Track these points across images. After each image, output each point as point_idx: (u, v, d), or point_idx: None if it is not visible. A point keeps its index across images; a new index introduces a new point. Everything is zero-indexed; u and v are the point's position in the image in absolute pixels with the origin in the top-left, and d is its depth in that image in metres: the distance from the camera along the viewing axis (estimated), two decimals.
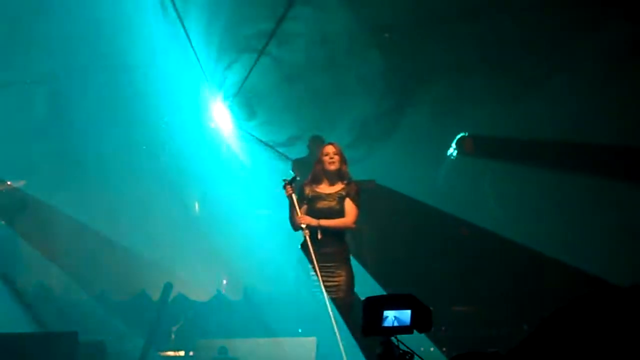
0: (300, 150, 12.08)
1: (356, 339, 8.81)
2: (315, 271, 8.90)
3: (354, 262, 9.44)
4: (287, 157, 12.27)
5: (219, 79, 12.74)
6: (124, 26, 11.90)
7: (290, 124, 12.69)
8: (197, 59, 12.39)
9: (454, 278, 10.93)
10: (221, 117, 12.75)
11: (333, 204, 9.10)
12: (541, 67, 11.81)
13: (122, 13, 11.89)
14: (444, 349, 9.95)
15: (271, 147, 12.54)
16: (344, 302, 8.97)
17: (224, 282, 11.72)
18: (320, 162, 9.19)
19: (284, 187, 9.14)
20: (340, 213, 9.10)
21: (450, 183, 11.88)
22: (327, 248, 9.04)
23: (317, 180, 9.20)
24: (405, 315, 5.35)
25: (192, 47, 12.31)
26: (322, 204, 9.10)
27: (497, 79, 11.84)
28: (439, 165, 12.14)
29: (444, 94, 12.25)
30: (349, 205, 9.15)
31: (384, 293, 9.86)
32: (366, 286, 9.92)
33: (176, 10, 12.16)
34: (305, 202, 9.16)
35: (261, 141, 12.69)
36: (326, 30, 12.51)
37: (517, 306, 10.45)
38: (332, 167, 9.11)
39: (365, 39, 12.55)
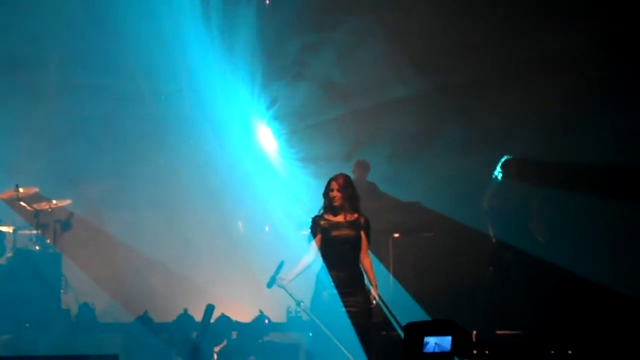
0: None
1: None
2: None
3: (397, 284, 9.44)
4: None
5: (264, 101, 12.83)
6: (172, 52, 12.03)
7: (332, 143, 12.77)
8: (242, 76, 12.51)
9: (497, 302, 10.83)
10: (266, 139, 12.81)
11: (349, 232, 9.16)
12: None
13: (170, 38, 12.03)
14: None
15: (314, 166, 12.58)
16: (363, 327, 9.03)
17: (266, 304, 11.69)
18: (327, 195, 9.26)
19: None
20: (357, 241, 9.16)
21: (495, 207, 11.78)
22: (343, 273, 9.12)
23: (329, 211, 9.27)
24: (446, 341, 5.33)
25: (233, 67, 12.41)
26: (337, 233, 9.16)
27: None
28: (484, 188, 12.06)
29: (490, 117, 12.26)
30: (364, 240, 9.23)
31: (426, 316, 9.85)
32: (407, 310, 9.87)
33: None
34: (319, 232, 9.22)
35: (303, 162, 12.75)
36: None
37: (561, 332, 10.34)
38: (335, 203, 9.18)
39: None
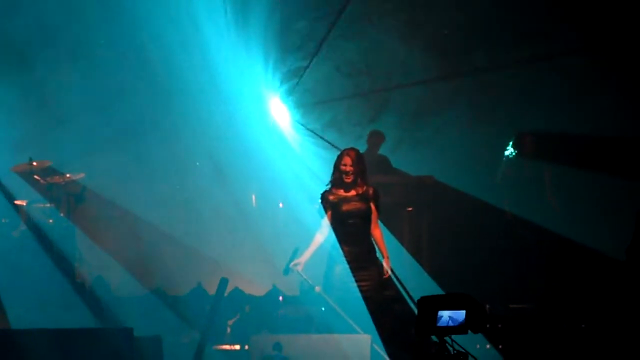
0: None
1: (383, 339, 8.85)
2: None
3: (410, 259, 9.47)
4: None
5: (277, 76, 12.82)
6: (185, 26, 12.00)
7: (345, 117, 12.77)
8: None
9: (511, 276, 10.81)
10: (279, 113, 12.80)
11: (360, 205, 9.20)
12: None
13: (181, 14, 12.00)
14: (500, 347, 9.85)
15: (330, 143, 12.55)
16: (375, 300, 9.04)
17: (280, 277, 11.70)
18: (337, 169, 9.24)
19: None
20: (367, 213, 9.18)
21: (509, 181, 11.74)
22: (355, 247, 9.13)
23: (338, 185, 9.26)
24: (460, 315, 5.32)
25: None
26: (348, 207, 9.20)
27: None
28: (498, 161, 12.02)
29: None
30: (374, 212, 9.26)
31: (440, 290, 9.84)
32: (421, 282, 9.87)
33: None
34: (329, 207, 9.22)
35: (318, 135, 12.74)
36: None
37: (576, 305, 10.31)
38: (347, 179, 9.18)
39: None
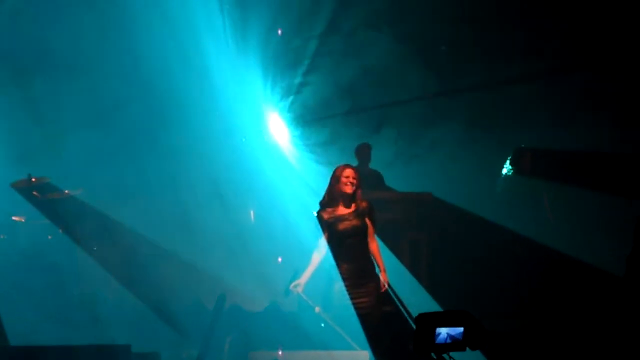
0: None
1: (381, 356, 8.86)
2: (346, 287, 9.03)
3: (409, 275, 9.48)
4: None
5: (277, 91, 12.87)
6: (183, 41, 12.03)
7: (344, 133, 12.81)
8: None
9: (510, 293, 10.81)
10: (277, 129, 12.83)
11: (355, 222, 9.16)
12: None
13: (180, 29, 12.03)
14: None
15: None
16: (373, 317, 9.04)
17: (279, 293, 11.70)
18: (338, 182, 9.21)
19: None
20: (364, 229, 9.17)
21: (508, 198, 11.76)
22: (353, 264, 9.13)
23: (333, 203, 9.23)
24: (458, 331, 5.31)
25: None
26: (344, 225, 9.15)
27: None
28: (497, 179, 12.05)
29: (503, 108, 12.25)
30: (371, 227, 9.26)
31: (438, 307, 9.84)
32: (420, 299, 9.88)
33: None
34: (325, 227, 9.21)
35: (316, 151, 12.80)
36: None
37: (575, 323, 10.31)
38: (349, 190, 9.15)
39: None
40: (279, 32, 12.78)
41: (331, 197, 9.25)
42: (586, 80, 11.83)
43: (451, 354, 5.37)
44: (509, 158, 11.81)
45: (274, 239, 12.01)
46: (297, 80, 12.98)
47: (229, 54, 12.44)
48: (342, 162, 9.86)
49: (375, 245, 9.33)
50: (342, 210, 9.21)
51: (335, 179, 9.25)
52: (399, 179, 10.17)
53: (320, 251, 9.26)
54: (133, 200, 12.11)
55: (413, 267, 11.41)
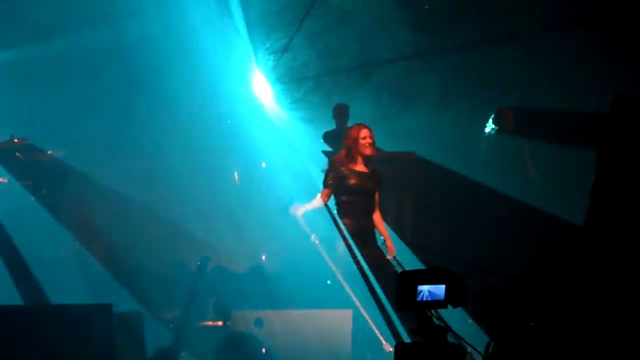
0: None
1: (396, 312, 8.85)
2: (348, 245, 9.00)
3: (393, 235, 9.52)
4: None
5: (260, 53, 12.84)
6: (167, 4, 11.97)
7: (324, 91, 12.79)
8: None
9: (492, 251, 10.81)
10: (261, 89, 12.79)
11: (368, 183, 9.19)
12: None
13: None
14: (483, 322, 9.87)
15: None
16: (385, 273, 9.05)
17: (263, 254, 11.70)
18: (356, 142, 9.20)
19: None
20: (372, 193, 9.19)
21: (491, 158, 11.74)
22: (357, 221, 9.13)
23: (351, 158, 9.23)
24: (440, 289, 5.31)
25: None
26: (355, 181, 9.15)
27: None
28: (479, 136, 12.02)
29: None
30: (378, 193, 9.34)
31: (421, 265, 9.86)
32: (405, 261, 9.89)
33: None
34: (337, 178, 9.18)
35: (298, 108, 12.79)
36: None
37: (558, 282, 10.31)
38: (369, 152, 9.17)
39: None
40: None
41: (349, 154, 9.24)
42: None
43: (435, 311, 5.36)
44: (491, 116, 11.76)
45: (259, 201, 11.97)
46: (281, 41, 12.93)
47: (213, 16, 12.37)
48: (325, 119, 9.87)
49: (379, 213, 9.39)
50: (358, 167, 9.22)
51: (352, 140, 9.25)
52: (381, 138, 10.09)
53: (325, 195, 9.25)
54: (115, 161, 12.04)
55: (397, 227, 11.39)
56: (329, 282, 9.61)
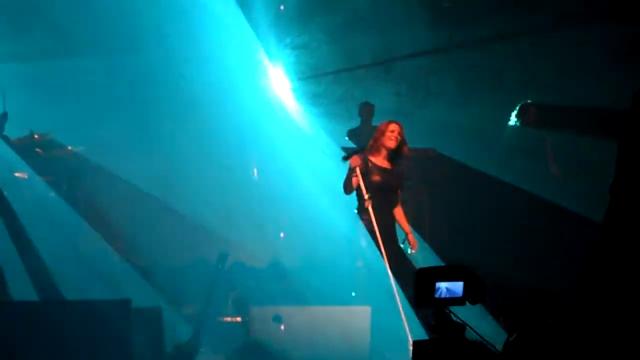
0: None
1: (415, 309, 8.80)
2: (377, 240, 8.95)
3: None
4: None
5: (281, 48, 12.85)
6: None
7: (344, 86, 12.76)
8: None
9: (512, 248, 10.77)
10: (282, 85, 12.80)
11: (391, 181, 9.16)
12: None
13: None
14: (501, 319, 9.83)
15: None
16: (405, 271, 9.02)
17: (282, 250, 11.70)
18: (382, 135, 9.18)
19: (348, 158, 9.13)
20: (394, 192, 9.16)
21: (511, 153, 11.70)
22: (376, 217, 9.10)
23: (376, 153, 9.19)
24: (458, 286, 5.29)
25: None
26: (378, 178, 9.12)
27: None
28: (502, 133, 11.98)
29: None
30: (400, 192, 9.33)
31: (440, 261, 9.82)
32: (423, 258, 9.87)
33: None
34: (362, 172, 9.13)
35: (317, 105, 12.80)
36: None
37: (579, 277, 10.25)
38: (392, 145, 9.12)
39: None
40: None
41: (375, 148, 9.22)
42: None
43: (453, 308, 5.34)
44: (514, 112, 11.72)
45: (278, 197, 11.96)
46: (301, 37, 12.93)
47: (232, 11, 12.37)
48: (346, 115, 9.83)
49: (401, 209, 9.36)
50: (382, 162, 9.18)
51: (380, 133, 9.24)
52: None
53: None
54: (134, 157, 12.07)
55: (416, 224, 11.37)
56: (353, 294, 9.59)
